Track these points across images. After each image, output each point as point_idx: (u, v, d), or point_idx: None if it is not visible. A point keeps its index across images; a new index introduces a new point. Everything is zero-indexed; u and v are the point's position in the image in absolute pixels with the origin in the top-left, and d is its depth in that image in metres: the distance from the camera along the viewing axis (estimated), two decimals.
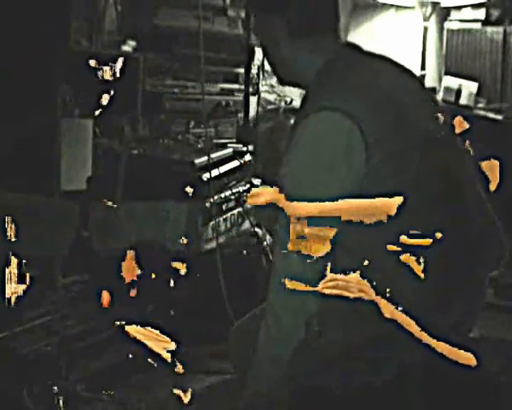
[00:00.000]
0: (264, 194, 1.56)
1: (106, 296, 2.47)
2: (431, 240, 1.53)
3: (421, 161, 1.60)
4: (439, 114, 1.71)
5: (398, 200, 1.51)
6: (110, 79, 2.22)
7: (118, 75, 2.24)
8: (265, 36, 1.77)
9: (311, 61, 1.73)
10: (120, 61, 2.20)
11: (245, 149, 3.55)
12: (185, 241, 2.95)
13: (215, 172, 3.09)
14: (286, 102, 4.55)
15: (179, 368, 2.03)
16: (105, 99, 2.28)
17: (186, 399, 1.99)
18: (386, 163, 1.57)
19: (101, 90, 2.52)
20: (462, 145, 1.73)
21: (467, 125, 1.69)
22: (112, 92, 2.28)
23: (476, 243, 1.66)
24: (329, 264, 1.55)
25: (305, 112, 1.64)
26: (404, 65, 1.78)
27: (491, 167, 1.67)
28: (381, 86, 1.67)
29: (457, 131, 1.69)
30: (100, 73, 2.21)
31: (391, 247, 1.54)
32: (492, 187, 1.68)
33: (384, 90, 1.66)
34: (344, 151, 1.57)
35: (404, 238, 1.53)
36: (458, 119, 1.69)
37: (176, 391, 1.99)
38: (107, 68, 2.20)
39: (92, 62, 2.21)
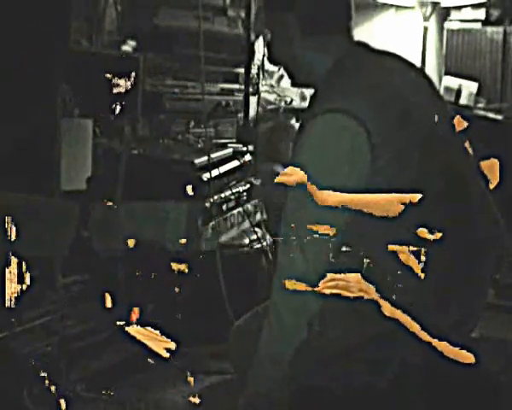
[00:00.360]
0: (295, 174, 1.56)
1: (108, 298, 2.48)
2: (439, 235, 1.53)
3: (424, 159, 1.60)
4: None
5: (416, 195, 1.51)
6: (123, 91, 2.22)
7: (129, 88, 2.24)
8: (279, 34, 1.77)
9: (321, 60, 1.73)
10: (133, 75, 2.20)
11: (245, 149, 3.55)
12: (185, 241, 2.95)
13: (215, 172, 3.09)
14: (286, 102, 4.55)
15: (190, 380, 2.03)
16: (117, 109, 2.29)
17: (196, 400, 1.99)
18: (390, 163, 1.57)
19: (107, 94, 2.53)
20: (467, 144, 1.73)
21: (465, 124, 1.69)
22: (124, 103, 2.29)
23: (479, 243, 1.66)
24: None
25: (313, 112, 1.65)
26: (412, 62, 1.78)
27: (491, 167, 1.67)
28: (388, 85, 1.66)
29: (457, 129, 1.69)
30: (114, 83, 2.21)
31: (391, 247, 1.54)
32: (491, 186, 1.68)
33: (391, 89, 1.66)
34: (348, 153, 1.57)
35: (421, 231, 1.53)
36: (458, 118, 1.70)
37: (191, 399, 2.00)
38: (121, 81, 2.20)
39: (108, 76, 2.20)
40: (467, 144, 1.72)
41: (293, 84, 1.90)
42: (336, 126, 1.59)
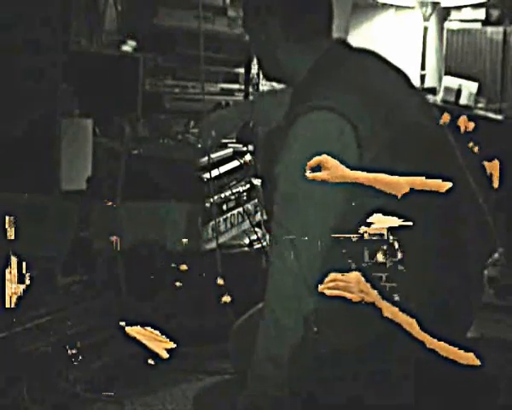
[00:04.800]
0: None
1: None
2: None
3: (412, 157, 1.60)
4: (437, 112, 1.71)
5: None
6: None
7: None
8: (262, 38, 1.77)
9: (302, 61, 1.74)
10: None
11: (245, 149, 3.55)
12: (185, 241, 2.95)
13: (215, 172, 3.09)
14: None
15: None
16: None
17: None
18: (377, 160, 1.57)
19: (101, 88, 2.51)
20: (453, 140, 1.73)
21: (472, 125, 1.69)
22: None
23: (470, 240, 1.66)
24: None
25: (296, 111, 1.64)
26: (390, 60, 1.79)
27: (492, 167, 1.67)
28: (370, 83, 1.67)
29: (462, 130, 1.69)
30: None
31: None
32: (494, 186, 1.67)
33: (373, 87, 1.66)
34: (337, 149, 1.57)
35: None
36: (463, 119, 1.69)
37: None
38: None
39: None
40: (471, 146, 1.73)
41: (268, 81, 1.91)
42: (323, 123, 1.59)
